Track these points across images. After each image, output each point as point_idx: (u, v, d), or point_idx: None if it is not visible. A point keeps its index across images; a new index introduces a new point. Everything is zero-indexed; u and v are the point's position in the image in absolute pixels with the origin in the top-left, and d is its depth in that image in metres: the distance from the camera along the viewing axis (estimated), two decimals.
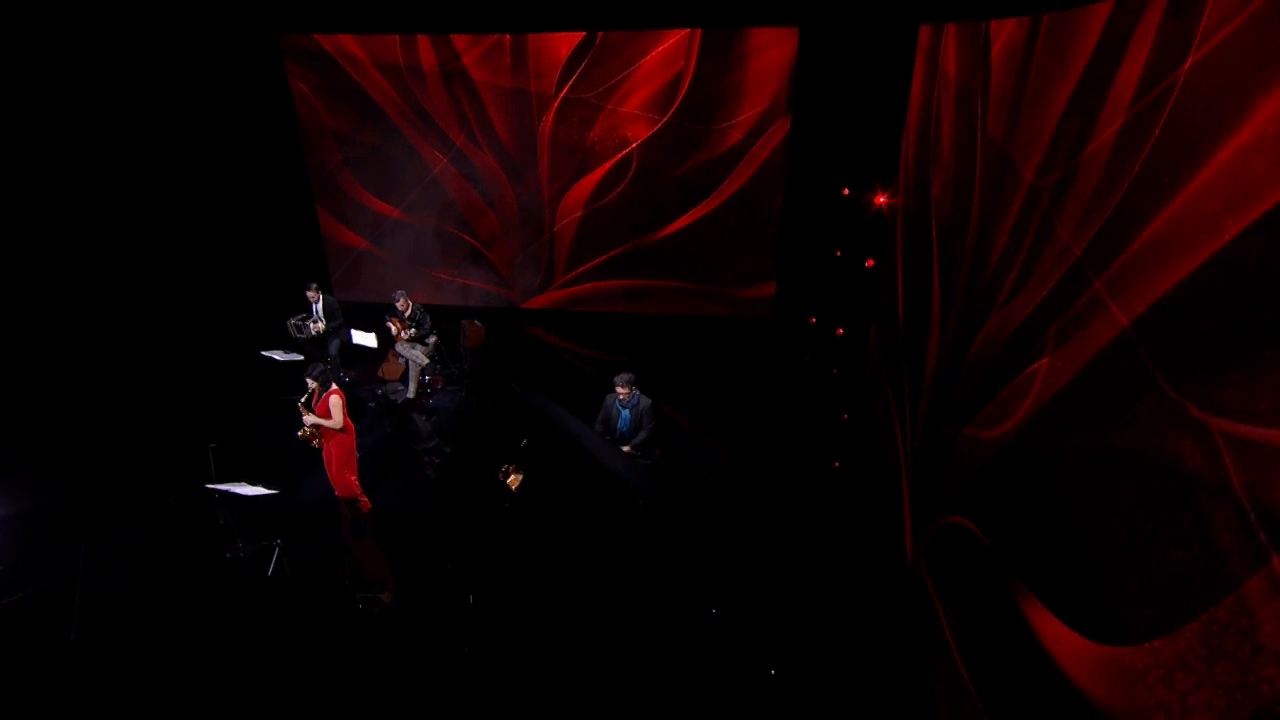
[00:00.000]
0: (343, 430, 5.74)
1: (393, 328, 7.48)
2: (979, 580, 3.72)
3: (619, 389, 5.64)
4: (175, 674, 4.76)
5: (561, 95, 8.38)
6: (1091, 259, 2.78)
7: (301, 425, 5.71)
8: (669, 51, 7.98)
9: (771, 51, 7.85)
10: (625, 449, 5.73)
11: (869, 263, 8.10)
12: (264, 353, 7.34)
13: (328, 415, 5.64)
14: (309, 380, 5.68)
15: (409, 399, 7.72)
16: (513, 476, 5.20)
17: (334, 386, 5.68)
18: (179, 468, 6.62)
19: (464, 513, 6.23)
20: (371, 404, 7.77)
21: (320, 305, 7.73)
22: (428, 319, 7.59)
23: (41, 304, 7.55)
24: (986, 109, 4.40)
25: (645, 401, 5.75)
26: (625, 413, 5.75)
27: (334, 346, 7.81)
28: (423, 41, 8.34)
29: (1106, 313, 2.63)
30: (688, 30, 7.85)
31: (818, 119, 7.98)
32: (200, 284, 8.73)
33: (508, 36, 8.15)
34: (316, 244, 9.51)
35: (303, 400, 5.69)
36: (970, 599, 3.85)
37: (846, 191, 8.16)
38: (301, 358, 7.47)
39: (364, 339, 7.51)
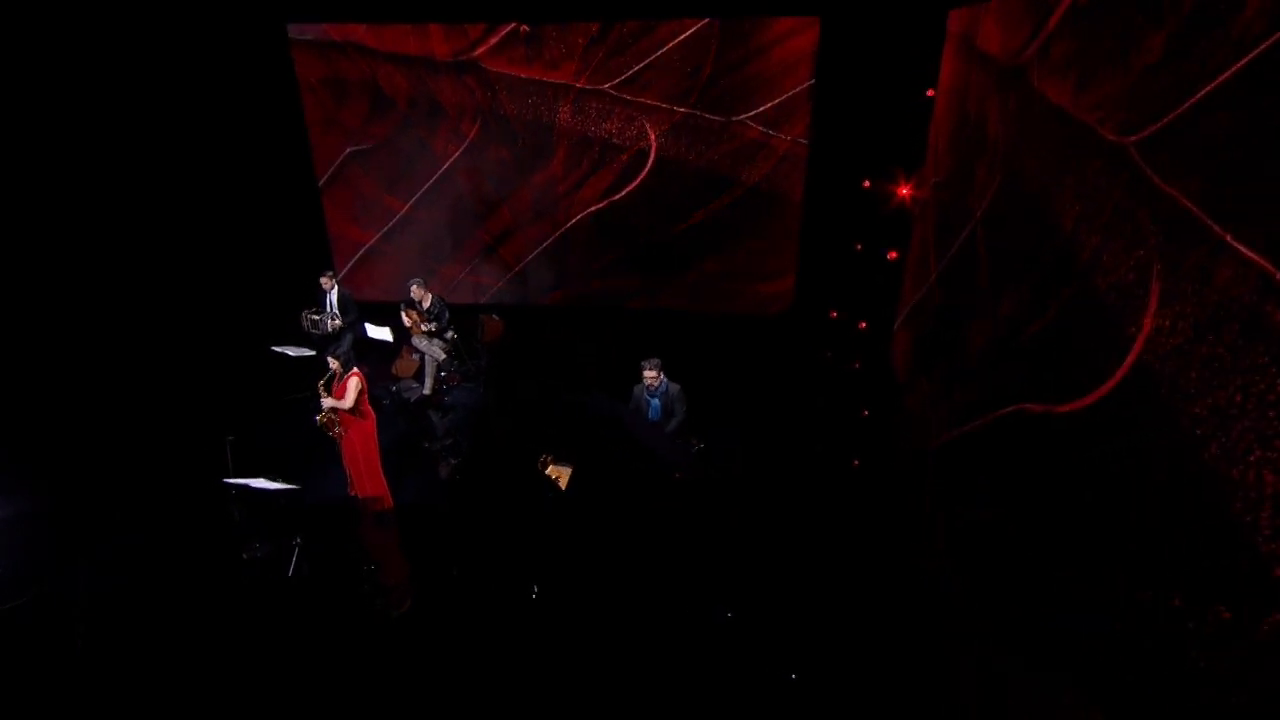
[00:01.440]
0: (362, 416, 5.48)
1: (407, 319, 7.23)
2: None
3: (646, 374, 5.44)
4: (189, 680, 4.46)
5: (578, 86, 8.22)
6: (1212, 208, 2.63)
7: (320, 410, 5.45)
8: (688, 42, 7.86)
9: (793, 42, 7.75)
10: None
11: (891, 255, 8.00)
12: (275, 349, 7.05)
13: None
14: (330, 360, 5.41)
15: (425, 396, 7.45)
16: (556, 469, 4.95)
17: (355, 369, 5.43)
18: (187, 466, 6.32)
19: (485, 513, 5.96)
20: (386, 401, 7.50)
21: (334, 295, 7.45)
22: (446, 312, 7.34)
23: (43, 298, 7.22)
24: (1045, 78, 4.29)
25: (674, 387, 5.55)
26: (655, 401, 5.55)
27: (347, 341, 7.52)
28: (435, 31, 8.15)
29: (1235, 260, 2.48)
30: (707, 20, 7.73)
31: (840, 110, 7.88)
32: (201, 279, 8.42)
33: (524, 26, 7.99)
34: (322, 239, 9.23)
35: (322, 382, 5.43)
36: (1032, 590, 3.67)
37: (868, 184, 8.07)
38: (313, 354, 7.20)
39: (379, 333, 7.24)
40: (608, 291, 9.20)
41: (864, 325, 8.37)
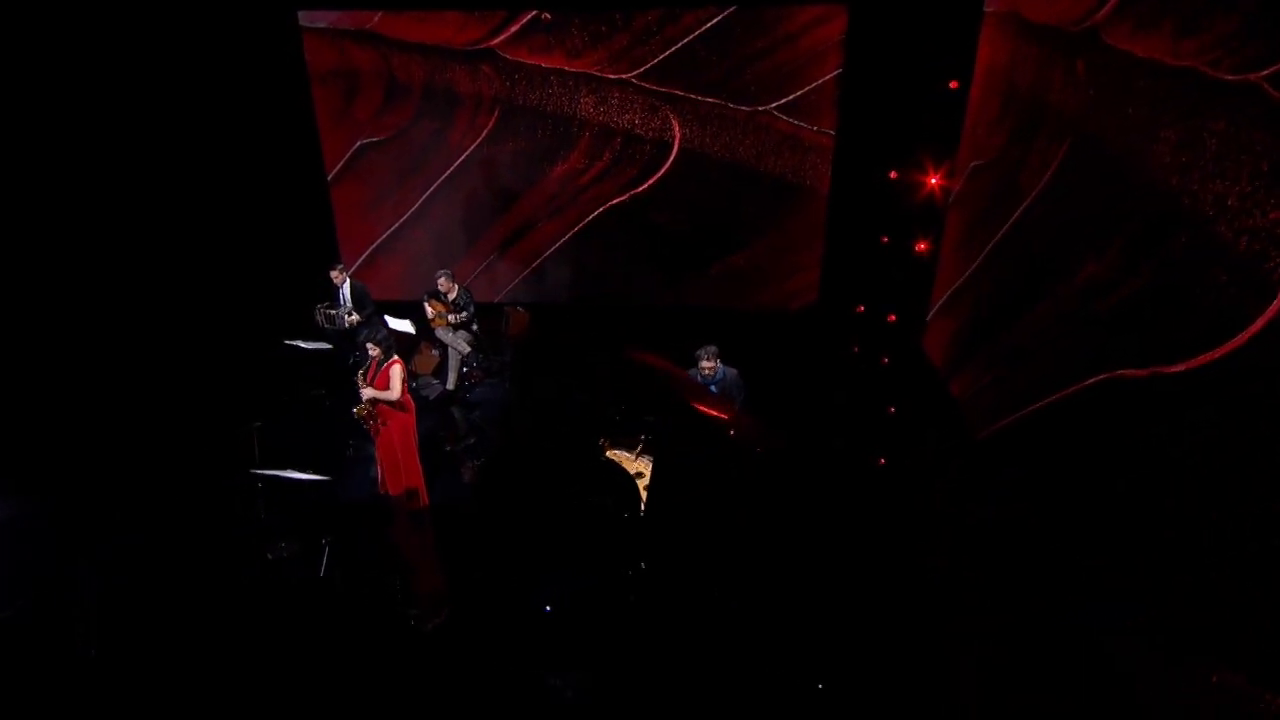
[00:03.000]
0: (403, 408, 5.12)
1: (431, 310, 6.87)
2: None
3: (703, 364, 5.15)
4: (207, 688, 4.04)
5: (601, 76, 8.02)
6: None
7: (359, 401, 5.08)
8: (714, 30, 7.71)
9: (820, 30, 7.65)
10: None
11: (920, 246, 7.86)
12: (289, 342, 6.66)
13: (387, 389, 5.03)
14: (370, 347, 5.06)
15: (448, 391, 7.09)
16: (638, 462, 4.58)
17: (396, 355, 5.09)
18: (194, 465, 5.89)
19: (521, 516, 5.56)
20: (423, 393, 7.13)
21: (347, 289, 7.08)
22: (472, 304, 7.00)
23: (39, 292, 6.75)
24: (1128, 36, 4.16)
25: (731, 373, 5.27)
26: (713, 389, 5.27)
27: (364, 336, 7.14)
28: (453, 19, 7.92)
29: None
30: (733, 8, 7.60)
31: (867, 100, 7.77)
32: (203, 276, 8.00)
33: (545, 14, 7.79)
34: (330, 235, 8.86)
35: (361, 371, 5.08)
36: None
37: (895, 175, 7.94)
38: (329, 346, 6.83)
39: (401, 325, 6.87)
40: (628, 288, 8.94)
41: (893, 318, 8.20)
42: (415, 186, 8.71)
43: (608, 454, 4.77)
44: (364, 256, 9.09)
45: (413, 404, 5.26)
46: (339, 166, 8.65)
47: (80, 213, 6.94)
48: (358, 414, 5.09)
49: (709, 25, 7.70)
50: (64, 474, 5.78)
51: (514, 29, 7.91)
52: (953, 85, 7.27)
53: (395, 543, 5.43)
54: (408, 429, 5.21)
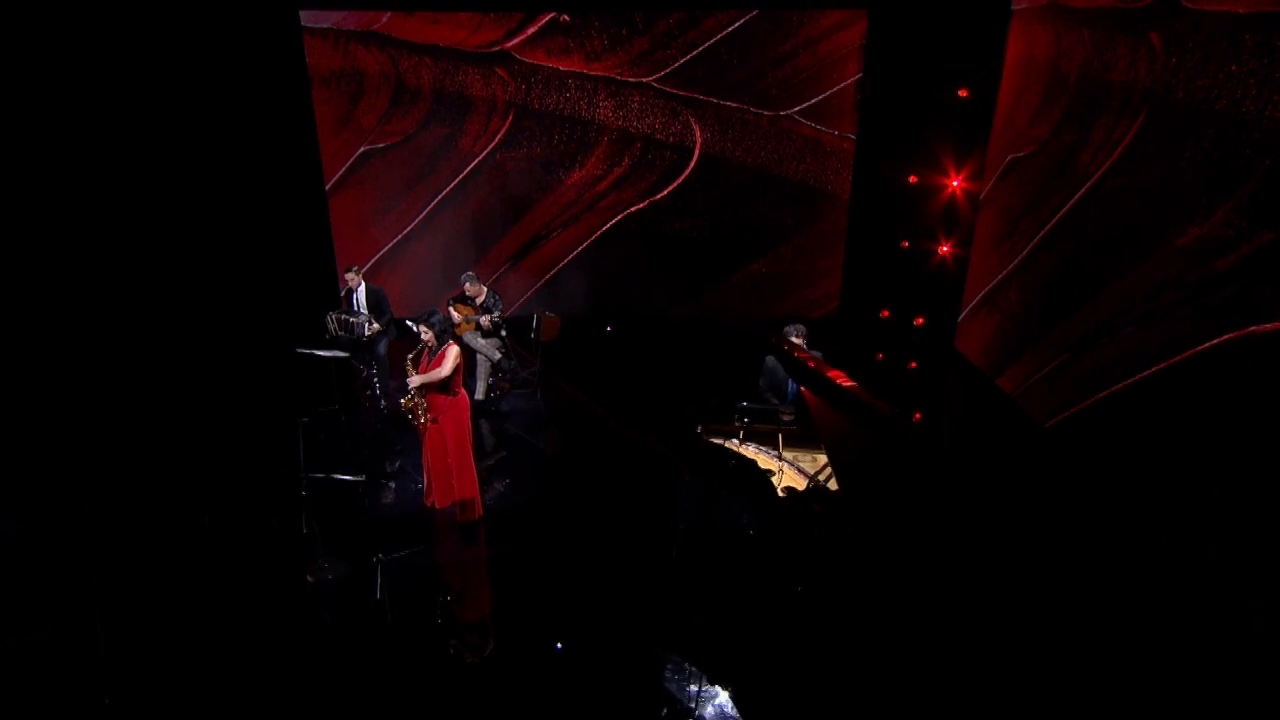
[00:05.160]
0: (457, 397, 4.59)
1: (456, 315, 6.36)
2: None
3: (793, 340, 4.83)
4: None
5: (621, 79, 7.83)
6: None
7: (406, 392, 4.53)
8: (735, 34, 7.65)
9: (841, 35, 7.69)
10: (786, 418, 4.87)
11: (944, 249, 7.82)
12: (302, 350, 6.03)
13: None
14: (422, 330, 4.53)
15: (476, 402, 6.52)
16: (786, 476, 4.08)
17: (451, 340, 4.58)
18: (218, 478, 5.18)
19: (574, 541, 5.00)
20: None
21: (362, 293, 6.52)
22: (500, 307, 6.52)
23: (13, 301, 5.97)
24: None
25: (816, 354, 4.94)
26: None
27: (383, 346, 6.58)
28: (467, 20, 7.63)
29: None
30: (755, 12, 7.56)
31: (888, 104, 7.78)
32: (189, 289, 7.29)
33: (564, 15, 7.59)
34: (327, 246, 8.24)
35: (411, 356, 4.55)
36: None
37: (915, 179, 7.93)
38: (347, 355, 6.23)
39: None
40: (647, 298, 8.60)
41: (920, 321, 8.08)
42: (422, 195, 8.25)
43: (712, 441, 4.32)
44: (364, 270, 8.49)
45: (467, 397, 4.73)
46: (339, 174, 8.12)
47: (62, 211, 6.22)
48: (404, 406, 4.54)
49: (731, 29, 7.63)
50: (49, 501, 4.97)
51: (531, 30, 7.67)
52: (962, 94, 7.37)
53: (441, 562, 4.81)
54: (462, 425, 4.66)
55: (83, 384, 6.15)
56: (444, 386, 4.52)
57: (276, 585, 4.27)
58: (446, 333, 4.55)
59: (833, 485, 3.78)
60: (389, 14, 7.58)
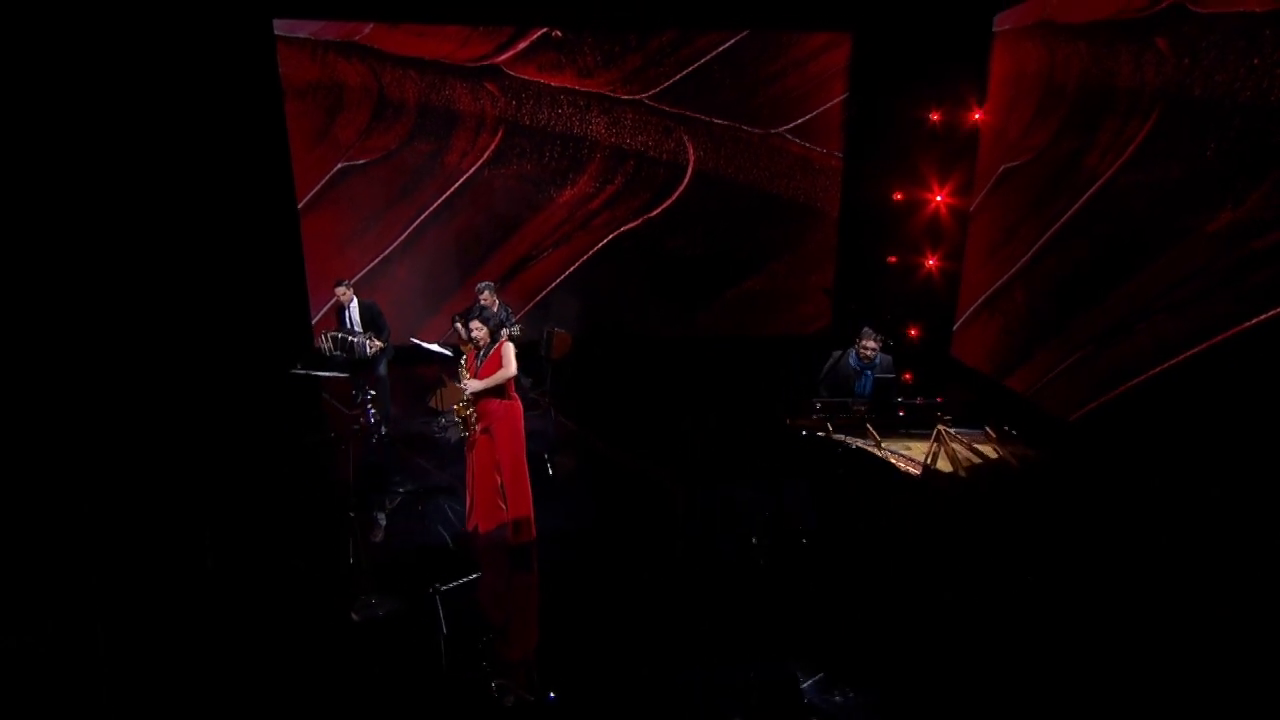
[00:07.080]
0: (513, 402, 4.20)
1: (468, 331, 5.89)
2: None
3: (867, 344, 4.70)
4: None
5: (613, 96, 7.73)
6: None
7: (460, 399, 4.10)
8: (727, 53, 7.74)
9: (827, 56, 7.91)
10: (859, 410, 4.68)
11: (932, 262, 8.03)
12: (300, 370, 5.44)
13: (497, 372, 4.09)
14: (474, 329, 4.13)
15: None
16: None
17: (504, 335, 4.20)
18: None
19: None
20: (440, 435, 6.02)
21: (355, 309, 5.99)
22: (512, 320, 6.12)
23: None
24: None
25: (886, 359, 4.84)
26: (869, 374, 4.77)
27: (383, 365, 6.04)
28: (455, 33, 7.38)
29: None
30: (746, 32, 7.69)
31: (871, 123, 8.03)
32: (150, 305, 6.54)
33: (556, 31, 7.47)
34: (298, 267, 7.62)
35: (462, 360, 4.13)
36: None
37: (900, 196, 8.18)
38: (346, 375, 5.68)
39: (433, 346, 5.81)
40: (639, 317, 8.38)
41: (915, 332, 8.22)
42: (404, 214, 7.79)
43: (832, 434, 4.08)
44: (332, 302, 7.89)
45: (521, 403, 4.32)
46: (314, 192, 7.58)
47: (16, 220, 5.45)
48: (458, 416, 4.10)
49: (722, 48, 7.72)
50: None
51: (522, 45, 7.49)
52: (935, 116, 7.72)
53: (485, 592, 4.30)
54: (517, 433, 4.25)
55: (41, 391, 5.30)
56: (499, 390, 4.11)
57: (318, 621, 3.68)
58: (500, 327, 4.17)
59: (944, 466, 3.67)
60: (372, 25, 7.24)
